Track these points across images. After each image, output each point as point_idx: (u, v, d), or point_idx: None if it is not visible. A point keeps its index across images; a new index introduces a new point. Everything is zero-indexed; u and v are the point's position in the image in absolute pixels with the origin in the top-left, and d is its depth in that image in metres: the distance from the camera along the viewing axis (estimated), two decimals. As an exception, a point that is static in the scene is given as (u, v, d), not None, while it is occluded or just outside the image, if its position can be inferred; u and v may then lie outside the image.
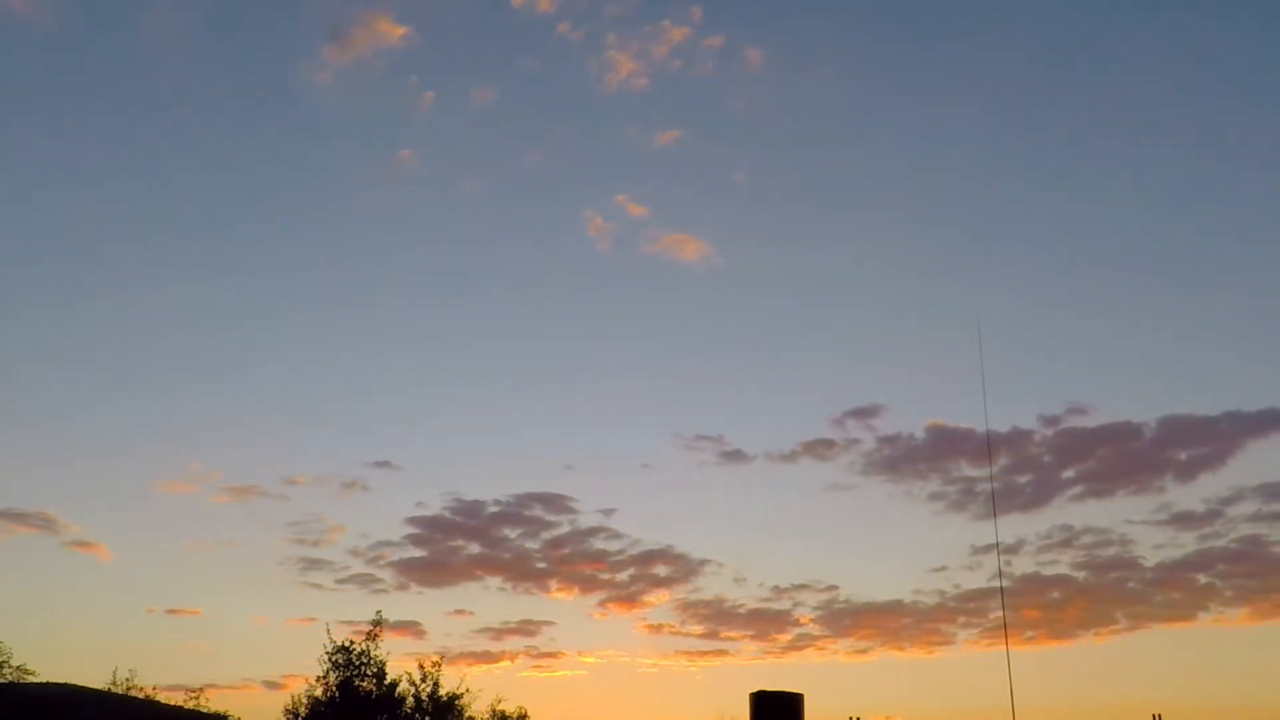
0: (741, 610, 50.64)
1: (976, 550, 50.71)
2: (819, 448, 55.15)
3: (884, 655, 49.85)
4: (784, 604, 50.95)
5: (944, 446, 53.36)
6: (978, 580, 50.93)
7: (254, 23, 63.00)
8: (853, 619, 49.89)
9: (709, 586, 54.34)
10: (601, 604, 51.67)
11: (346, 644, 24.29)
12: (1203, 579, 47.42)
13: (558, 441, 65.21)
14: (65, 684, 25.18)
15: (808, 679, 53.27)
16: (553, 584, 51.61)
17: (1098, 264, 66.02)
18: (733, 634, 50.38)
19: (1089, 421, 52.18)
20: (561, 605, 52.06)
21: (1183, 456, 49.74)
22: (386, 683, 24.48)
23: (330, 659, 24.21)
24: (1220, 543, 47.56)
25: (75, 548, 49.05)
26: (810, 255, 67.88)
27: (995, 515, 12.06)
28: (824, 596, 50.61)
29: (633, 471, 62.69)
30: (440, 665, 25.29)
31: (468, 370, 65.73)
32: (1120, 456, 50.93)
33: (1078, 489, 51.45)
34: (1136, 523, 49.51)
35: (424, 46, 62.60)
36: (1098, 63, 66.12)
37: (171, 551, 54.10)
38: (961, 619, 49.17)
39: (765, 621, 50.21)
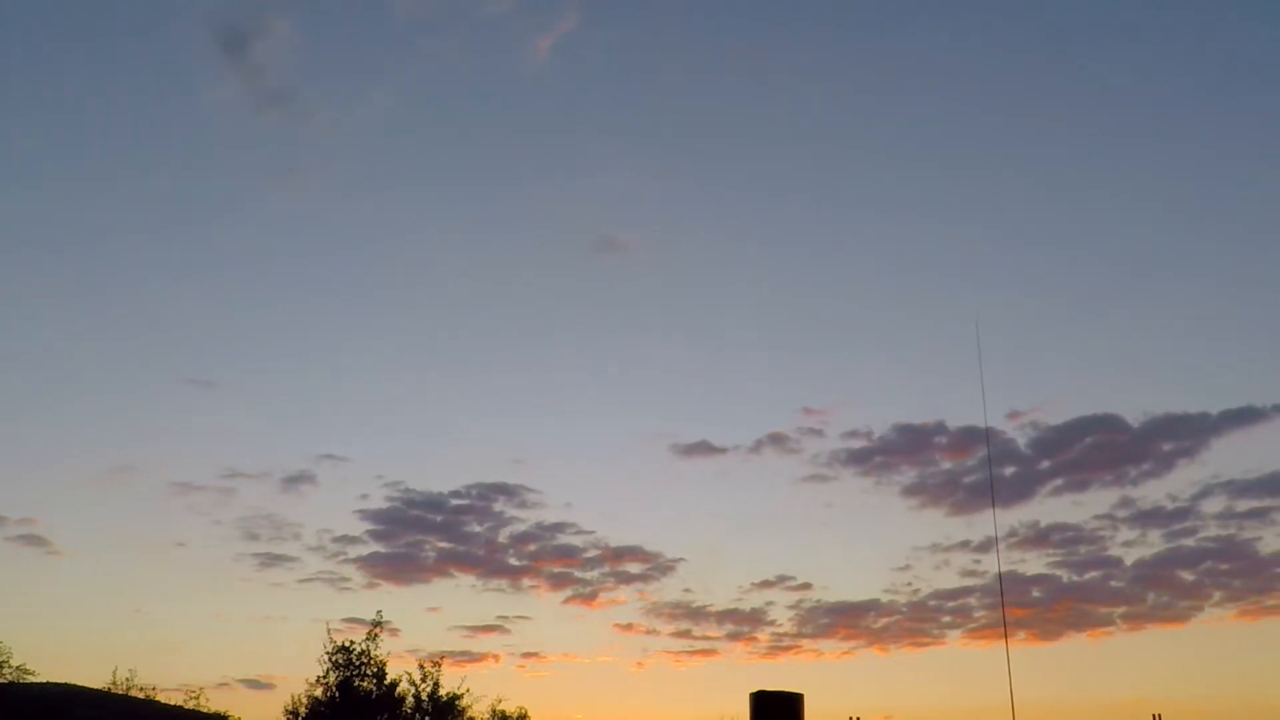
0: (716, 609, 50.67)
1: (946, 548, 51.04)
2: (785, 442, 55.20)
3: (869, 654, 49.83)
4: (758, 603, 50.94)
5: (912, 442, 53.60)
6: (949, 578, 51.28)
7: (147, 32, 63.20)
8: (831, 617, 49.88)
9: (681, 585, 53.19)
10: (574, 601, 51.34)
11: (346, 644, 24.33)
12: (1187, 577, 47.60)
13: (513, 435, 65.02)
14: (65, 684, 25.21)
15: (789, 678, 53.27)
16: (524, 581, 51.23)
17: (1071, 261, 66.58)
18: (709, 633, 50.32)
19: (1062, 417, 52.58)
20: (534, 602, 51.58)
21: (1161, 453, 49.88)
22: (386, 683, 24.50)
23: (330, 659, 24.23)
24: (1200, 541, 47.78)
25: (21, 544, 48.12)
26: (764, 250, 68.11)
27: (994, 511, 12.16)
28: (799, 595, 50.58)
29: (592, 466, 62.64)
30: (440, 665, 25.38)
31: (415, 362, 65.80)
32: (1098, 453, 50.95)
33: (1055, 484, 51.49)
34: (1114, 520, 49.51)
35: (316, 53, 63.69)
36: (1084, 62, 66.54)
37: (126, 549, 53.62)
38: (945, 618, 49.22)
39: (741, 620, 50.20)
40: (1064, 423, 52.01)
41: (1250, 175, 63.67)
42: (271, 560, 49.36)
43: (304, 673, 24.44)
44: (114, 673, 26.19)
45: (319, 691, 24.02)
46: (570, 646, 51.06)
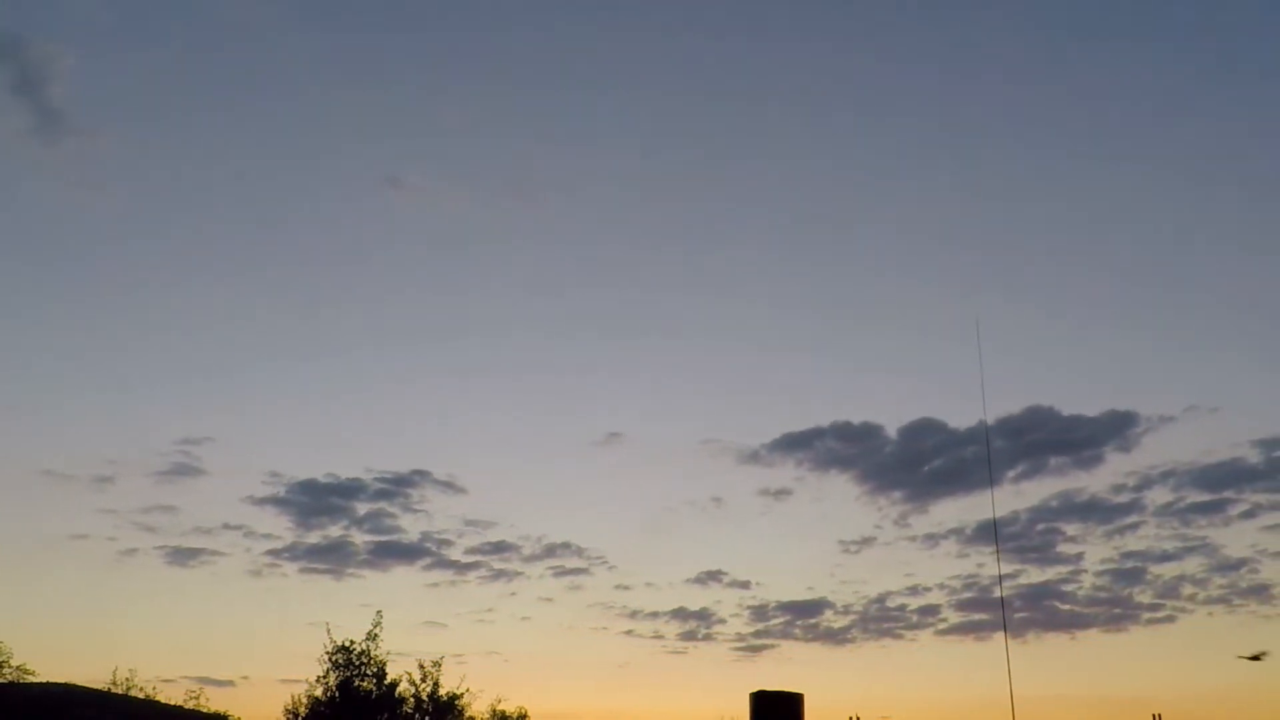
0: (664, 608, 50.72)
1: (891, 543, 52.04)
2: (715, 434, 56.11)
3: (842, 653, 49.90)
4: (706, 601, 51.62)
5: (856, 434, 54.03)
6: (898, 577, 52.34)
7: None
8: (787, 615, 50.00)
9: (616, 581, 52.69)
10: (514, 597, 50.88)
11: (347, 643, 24.32)
12: (1157, 574, 48.30)
13: (425, 426, 64.20)
14: (65, 684, 25.23)
15: (771, 678, 52.61)
16: (467, 575, 50.62)
17: (1041, 258, 67.57)
18: (661, 631, 50.24)
19: (1014, 409, 52.68)
20: (479, 598, 50.94)
21: (1120, 447, 50.63)
22: (386, 683, 24.51)
23: (330, 659, 24.22)
24: (1164, 540, 48.50)
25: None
26: (706, 246, 68.60)
27: (994, 509, 12.08)
28: (740, 593, 50.87)
29: (517, 461, 63.05)
30: (440, 665, 25.35)
31: (320, 352, 65.68)
32: (1050, 447, 51.43)
33: (1013, 473, 52.02)
34: (1068, 514, 50.15)
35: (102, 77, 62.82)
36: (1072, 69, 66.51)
37: (19, 540, 51.94)
38: (913, 616, 49.73)
39: (689, 618, 50.14)
40: (1014, 414, 52.22)
41: (1242, 179, 64.03)
42: (186, 554, 48.13)
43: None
44: (114, 673, 26.25)
45: (319, 691, 24.04)
46: (533, 645, 50.94)
